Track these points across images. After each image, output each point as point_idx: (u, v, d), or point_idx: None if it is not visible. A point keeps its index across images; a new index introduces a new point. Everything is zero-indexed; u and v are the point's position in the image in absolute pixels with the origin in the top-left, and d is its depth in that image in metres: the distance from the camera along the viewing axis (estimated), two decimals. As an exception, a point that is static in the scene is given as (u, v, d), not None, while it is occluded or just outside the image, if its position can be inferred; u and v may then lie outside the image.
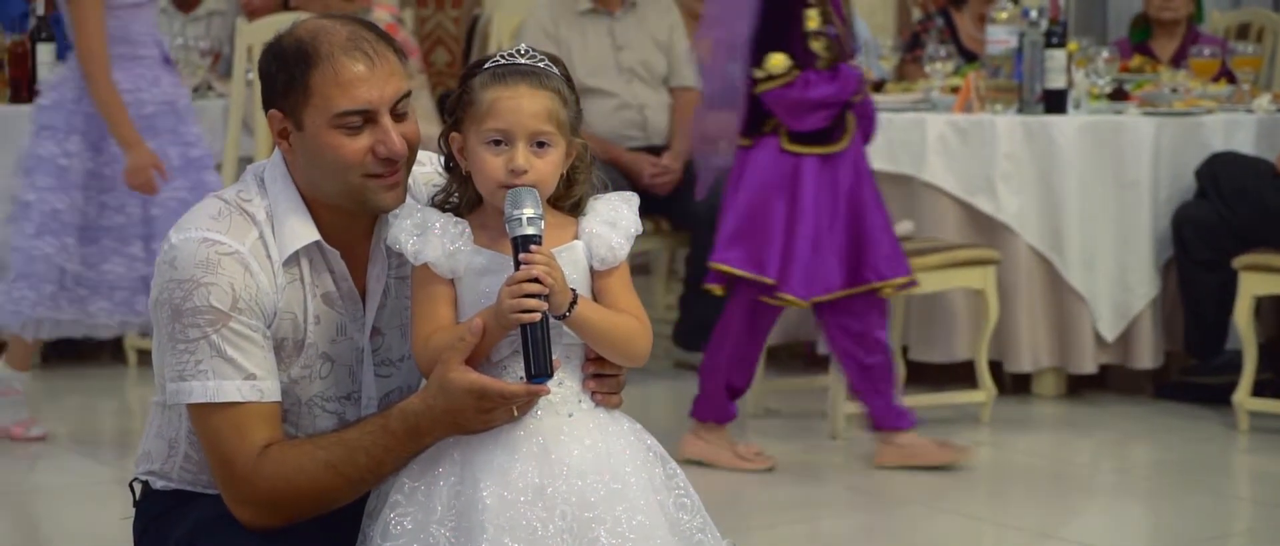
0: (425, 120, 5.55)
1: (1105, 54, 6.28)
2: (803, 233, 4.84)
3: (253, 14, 6.88)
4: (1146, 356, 5.85)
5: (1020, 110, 5.85)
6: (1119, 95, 6.16)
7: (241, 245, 2.65)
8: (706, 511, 2.63)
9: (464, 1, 8.96)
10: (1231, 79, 6.46)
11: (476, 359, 2.56)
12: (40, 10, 6.34)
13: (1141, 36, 7.22)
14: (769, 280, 4.84)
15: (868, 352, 4.99)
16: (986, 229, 5.81)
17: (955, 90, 6.08)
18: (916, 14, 7.92)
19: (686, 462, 4.84)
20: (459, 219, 2.63)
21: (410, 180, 2.76)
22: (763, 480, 5.09)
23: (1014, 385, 5.97)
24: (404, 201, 2.69)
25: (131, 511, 2.88)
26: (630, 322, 2.61)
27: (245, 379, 2.63)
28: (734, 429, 5.32)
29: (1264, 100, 6.19)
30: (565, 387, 2.59)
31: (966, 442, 5.40)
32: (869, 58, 6.73)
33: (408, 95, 2.68)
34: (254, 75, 6.18)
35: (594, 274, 2.62)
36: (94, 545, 4.46)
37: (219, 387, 2.63)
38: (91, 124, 5.30)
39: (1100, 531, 4.62)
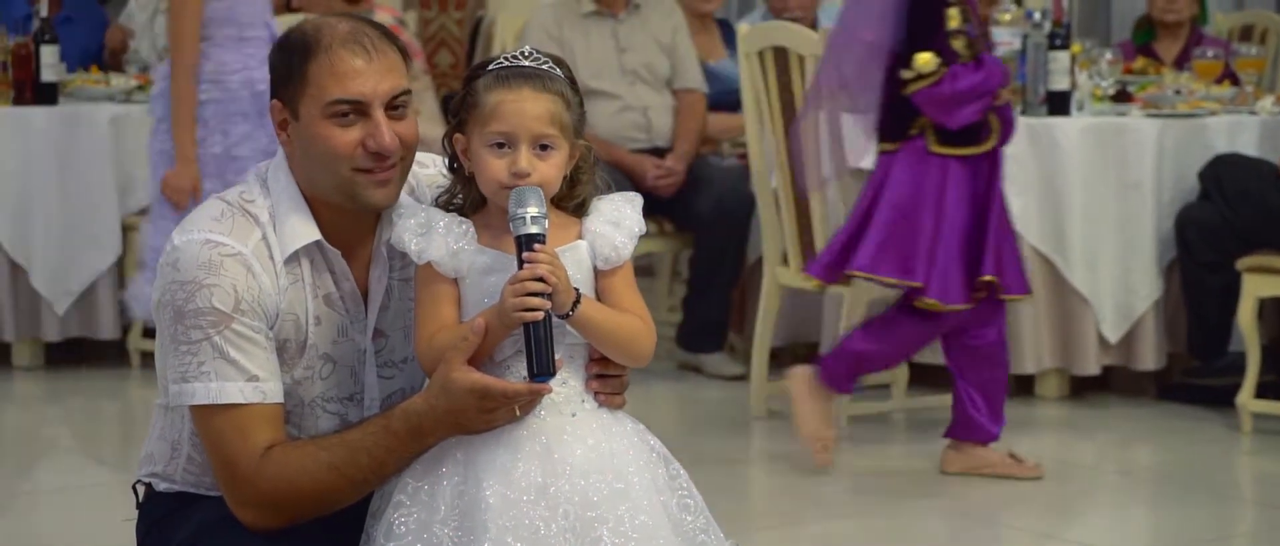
0: (430, 122, 5.56)
1: (1108, 56, 6.28)
2: (949, 236, 4.81)
3: (256, 16, 6.87)
4: (1149, 358, 5.85)
5: (1024, 111, 5.85)
6: (1122, 97, 6.16)
7: (244, 246, 2.66)
8: (709, 512, 2.63)
9: (467, 3, 8.96)
10: (1235, 81, 6.46)
11: (479, 358, 2.56)
12: (44, 12, 6.35)
13: (1145, 38, 7.22)
14: (917, 284, 4.80)
15: (982, 360, 4.94)
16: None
17: (958, 92, 6.07)
18: (920, 16, 7.90)
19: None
20: (463, 218, 2.63)
21: (414, 181, 2.76)
22: (765, 480, 5.09)
23: (1017, 386, 5.96)
24: (396, 200, 2.69)
25: (134, 513, 2.88)
26: (634, 323, 2.62)
27: (248, 380, 2.63)
28: (735, 429, 5.32)
29: (1267, 102, 6.18)
30: (568, 387, 2.59)
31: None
32: (872, 59, 6.73)
33: (406, 94, 2.68)
34: (257, 77, 6.20)
35: (597, 274, 2.63)
36: (97, 546, 4.47)
37: (221, 389, 2.63)
38: (208, 108, 5.23)
39: (1103, 533, 4.62)
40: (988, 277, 4.80)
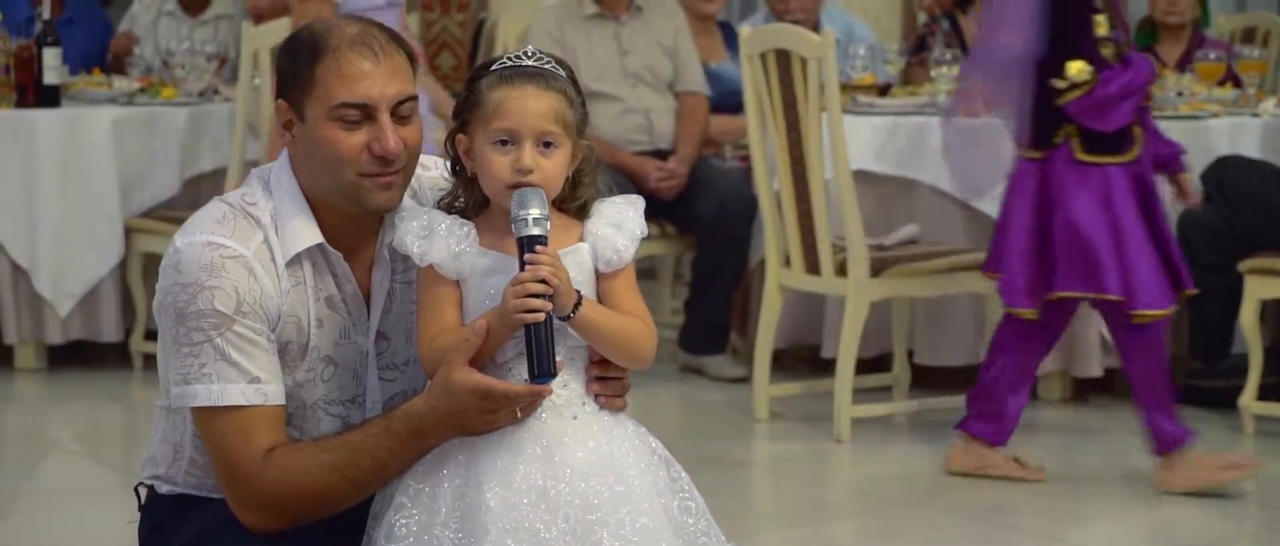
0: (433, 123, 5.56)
1: (1111, 58, 6.27)
2: (1132, 243, 4.76)
3: (259, 18, 6.88)
4: (1152, 360, 5.84)
5: (1025, 114, 5.84)
6: (1124, 99, 6.15)
7: (246, 249, 2.66)
8: (711, 514, 2.63)
9: (469, 5, 8.97)
10: (1237, 83, 6.46)
11: (481, 360, 2.57)
12: (46, 14, 6.35)
13: (1147, 40, 7.22)
14: (1114, 297, 4.77)
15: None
16: (991, 233, 5.80)
17: (961, 94, 6.07)
18: (922, 17, 7.91)
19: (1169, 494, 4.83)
20: (465, 220, 2.64)
21: (416, 183, 2.76)
22: (767, 483, 5.09)
23: (1019, 389, 5.96)
24: (399, 204, 2.69)
25: (137, 516, 2.88)
26: (635, 325, 2.62)
27: (249, 382, 2.64)
28: (737, 432, 5.32)
29: (1269, 104, 6.18)
30: (569, 390, 2.59)
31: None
32: (875, 61, 6.73)
33: (413, 99, 2.69)
34: (260, 79, 6.20)
35: (599, 276, 2.63)
36: (99, 549, 4.47)
37: (223, 391, 2.63)
38: None
39: (1105, 535, 4.62)
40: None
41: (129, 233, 6.35)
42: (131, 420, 5.99)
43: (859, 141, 5.86)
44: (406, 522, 2.54)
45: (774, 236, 5.70)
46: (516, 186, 2.57)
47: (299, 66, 2.66)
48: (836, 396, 5.43)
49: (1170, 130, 5.80)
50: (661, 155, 6.49)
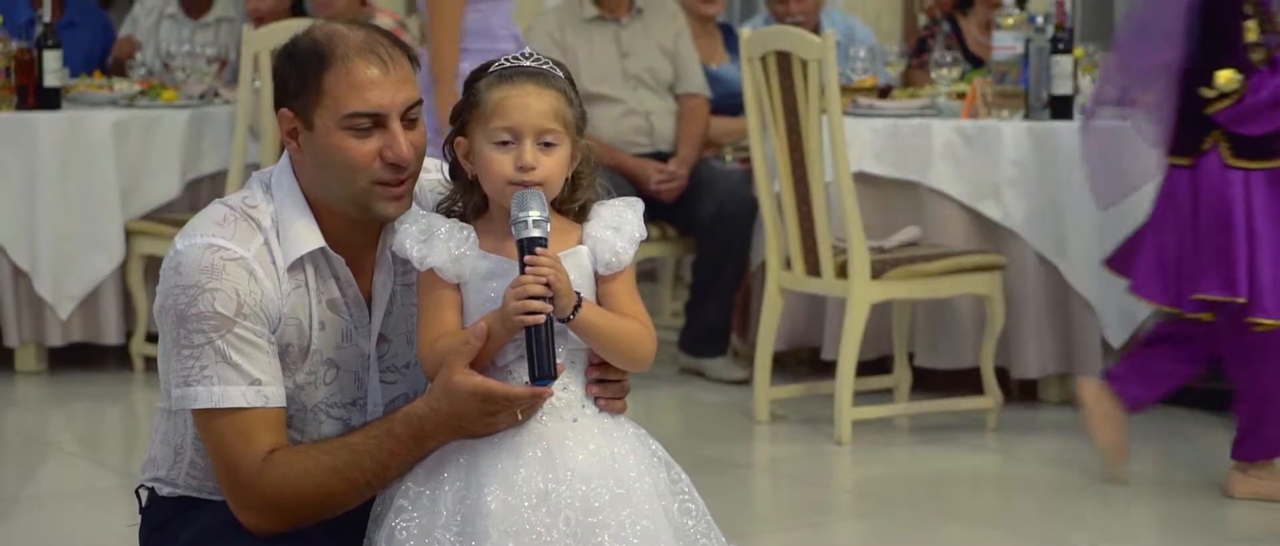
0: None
1: (1111, 60, 6.27)
2: (1264, 250, 4.73)
3: (260, 21, 6.89)
4: (1153, 362, 5.84)
5: (1026, 116, 5.85)
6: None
7: (246, 251, 2.66)
8: (711, 516, 2.63)
9: (470, 8, 8.95)
10: (1238, 85, 6.45)
11: (481, 362, 2.57)
12: (47, 17, 6.35)
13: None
14: (1241, 300, 4.72)
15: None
16: (992, 235, 5.81)
17: (961, 96, 6.08)
18: (923, 19, 7.92)
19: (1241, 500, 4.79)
20: (464, 224, 2.64)
21: (415, 187, 2.76)
22: (768, 485, 5.09)
23: (1020, 391, 5.97)
24: (407, 210, 2.69)
25: (137, 518, 2.88)
26: (635, 327, 2.62)
27: (250, 384, 2.64)
28: (737, 434, 5.31)
29: None
30: (569, 392, 2.59)
31: (972, 449, 5.41)
32: (875, 63, 6.73)
33: (419, 104, 2.69)
34: (261, 82, 6.20)
35: (598, 279, 2.63)
36: (100, 551, 4.47)
37: (224, 393, 2.63)
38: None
39: (1106, 538, 4.61)
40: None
41: (129, 235, 6.35)
42: (132, 422, 5.99)
43: (859, 143, 5.86)
44: (407, 525, 2.54)
45: (774, 238, 5.70)
46: (518, 184, 2.57)
47: (305, 75, 2.65)
48: (837, 398, 5.43)
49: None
50: (662, 157, 6.49)
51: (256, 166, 6.02)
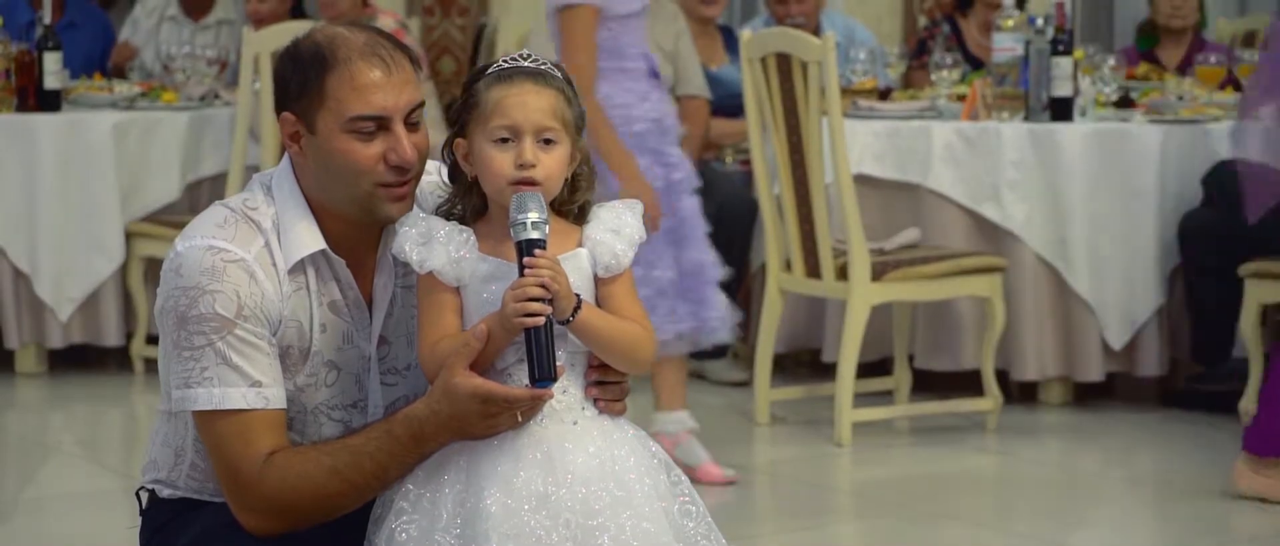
0: (433, 128, 5.55)
1: (1111, 61, 6.27)
2: None
3: (260, 23, 6.89)
4: (1153, 364, 5.85)
5: (1026, 118, 5.85)
6: (1125, 103, 6.16)
7: (247, 253, 2.66)
8: (711, 518, 2.63)
9: (470, 9, 8.97)
10: (1237, 87, 6.45)
11: (481, 365, 2.57)
12: (47, 19, 6.35)
13: (1147, 44, 7.22)
14: None
15: None
16: (992, 237, 5.81)
17: (961, 98, 6.08)
18: (923, 21, 7.92)
19: (1243, 498, 4.73)
20: (463, 227, 2.64)
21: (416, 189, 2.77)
22: (768, 487, 5.09)
23: (1020, 393, 5.97)
24: (409, 211, 2.69)
25: (138, 520, 2.88)
26: (634, 329, 2.62)
27: (251, 386, 2.64)
28: (738, 436, 5.31)
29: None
30: (569, 395, 2.59)
31: (972, 451, 5.40)
32: (876, 65, 6.74)
33: (421, 105, 2.69)
34: (261, 84, 6.20)
35: (598, 281, 2.63)
36: (100, 553, 4.47)
37: (224, 395, 2.63)
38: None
39: (1107, 540, 4.62)
40: None
41: (130, 237, 6.35)
42: (132, 424, 5.99)
43: (859, 145, 5.86)
44: (407, 528, 2.54)
45: (775, 240, 5.70)
46: (519, 183, 2.57)
47: (307, 79, 2.65)
48: (837, 400, 5.43)
49: (1171, 134, 5.83)
50: (662, 159, 6.47)
51: (256, 168, 6.02)
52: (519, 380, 2.57)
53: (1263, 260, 5.51)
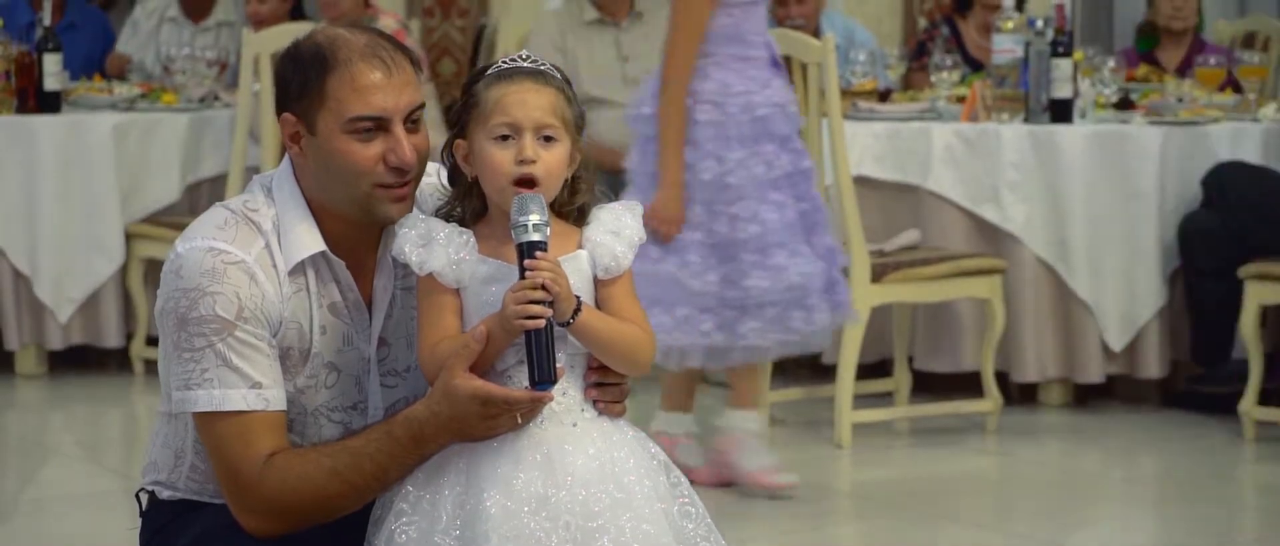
0: (433, 129, 5.55)
1: (1111, 63, 6.28)
2: None
3: (260, 24, 6.89)
4: (1153, 366, 5.85)
5: (1026, 119, 5.85)
6: (1125, 104, 6.16)
7: (247, 254, 2.66)
8: (710, 519, 2.63)
9: (470, 11, 8.97)
10: (1237, 88, 6.46)
11: (481, 367, 2.57)
12: (47, 20, 6.36)
13: (1147, 46, 7.22)
14: None
15: None
16: (992, 238, 5.82)
17: (961, 99, 6.08)
18: (922, 22, 7.92)
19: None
20: (463, 228, 2.64)
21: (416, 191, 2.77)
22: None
23: (1020, 395, 5.97)
24: (409, 212, 2.69)
25: (138, 521, 2.88)
26: (634, 331, 2.62)
27: (251, 388, 2.64)
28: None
29: (1270, 109, 6.18)
30: (569, 397, 2.59)
31: (972, 452, 5.40)
32: (876, 67, 6.74)
33: (422, 107, 2.70)
34: (261, 85, 6.20)
35: (598, 283, 2.63)
36: (100, 554, 4.48)
37: (225, 396, 2.63)
38: (705, 130, 4.80)
39: (1107, 541, 4.62)
40: None
41: (130, 238, 6.35)
42: (132, 426, 5.99)
43: (859, 147, 5.86)
44: (407, 529, 2.54)
45: (775, 242, 5.69)
46: (520, 180, 2.57)
47: (307, 79, 2.66)
48: (837, 402, 5.43)
49: (1171, 136, 5.83)
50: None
51: (256, 170, 6.02)
52: (519, 382, 2.57)
53: (1263, 261, 5.51)
